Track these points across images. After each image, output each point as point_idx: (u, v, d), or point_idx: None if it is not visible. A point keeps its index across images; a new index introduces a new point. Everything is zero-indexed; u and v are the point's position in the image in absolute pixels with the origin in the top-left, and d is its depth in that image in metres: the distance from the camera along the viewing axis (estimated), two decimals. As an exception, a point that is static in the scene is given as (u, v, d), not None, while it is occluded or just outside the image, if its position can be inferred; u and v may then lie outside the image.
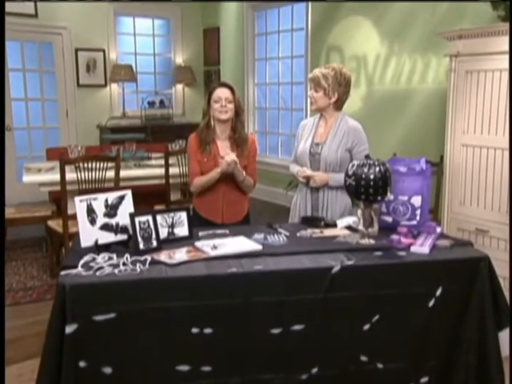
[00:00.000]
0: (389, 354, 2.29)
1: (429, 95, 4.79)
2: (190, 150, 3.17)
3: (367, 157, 2.39)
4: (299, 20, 6.56)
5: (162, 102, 8.12)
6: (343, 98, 2.99)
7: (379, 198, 2.35)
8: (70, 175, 4.00)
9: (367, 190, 2.31)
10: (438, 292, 2.26)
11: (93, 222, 2.32)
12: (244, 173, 3.10)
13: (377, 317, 2.24)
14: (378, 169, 2.32)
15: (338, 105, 2.99)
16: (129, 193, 2.47)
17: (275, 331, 2.16)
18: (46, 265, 4.58)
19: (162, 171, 4.52)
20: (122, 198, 2.44)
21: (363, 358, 2.27)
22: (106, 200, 2.38)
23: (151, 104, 8.02)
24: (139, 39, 8.04)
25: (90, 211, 2.32)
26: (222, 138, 3.14)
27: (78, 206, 2.28)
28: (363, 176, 2.32)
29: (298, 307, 2.17)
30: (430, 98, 4.77)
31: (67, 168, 4.02)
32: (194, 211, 3.23)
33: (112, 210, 2.39)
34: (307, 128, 3.11)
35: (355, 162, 2.39)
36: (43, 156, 5.81)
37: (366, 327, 2.24)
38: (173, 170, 4.46)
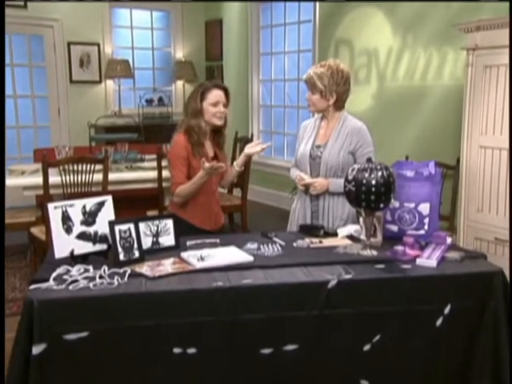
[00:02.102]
0: (392, 377, 2.23)
1: (445, 92, 4.72)
2: (177, 154, 3.01)
3: (369, 160, 2.33)
4: (306, 12, 6.51)
5: (160, 99, 8.10)
6: (343, 97, 2.93)
7: (382, 205, 2.29)
8: (56, 178, 3.97)
9: (368, 196, 2.25)
10: (447, 310, 2.20)
11: (68, 230, 2.28)
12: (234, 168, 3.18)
13: (378, 336, 2.18)
14: (380, 173, 2.26)
15: (339, 105, 2.93)
16: (109, 199, 2.42)
17: (265, 351, 2.11)
18: (29, 275, 4.55)
19: (155, 174, 4.49)
20: (101, 204, 2.40)
21: (364, 383, 2.21)
22: (84, 206, 2.35)
23: (149, 102, 8.00)
24: (136, 32, 8.01)
25: (66, 219, 2.28)
26: (206, 138, 3.11)
27: (52, 213, 2.25)
28: (364, 181, 2.25)
29: (290, 325, 2.12)
30: (446, 96, 4.70)
31: (55, 171, 4.00)
32: (181, 220, 2.98)
33: (90, 217, 2.35)
34: (308, 129, 3.06)
35: (355, 166, 2.34)
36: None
37: (367, 348, 2.18)
38: (167, 173, 4.40)
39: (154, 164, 4.59)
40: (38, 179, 4.01)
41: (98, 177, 4.10)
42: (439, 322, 2.20)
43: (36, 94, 7.34)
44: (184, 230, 2.83)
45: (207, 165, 2.87)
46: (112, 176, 4.38)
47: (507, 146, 3.49)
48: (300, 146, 3.05)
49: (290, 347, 2.12)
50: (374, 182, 2.24)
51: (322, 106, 2.91)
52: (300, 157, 3.02)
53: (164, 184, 4.46)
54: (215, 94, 3.00)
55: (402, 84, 5.17)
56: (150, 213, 4.56)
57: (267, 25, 7.28)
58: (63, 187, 3.92)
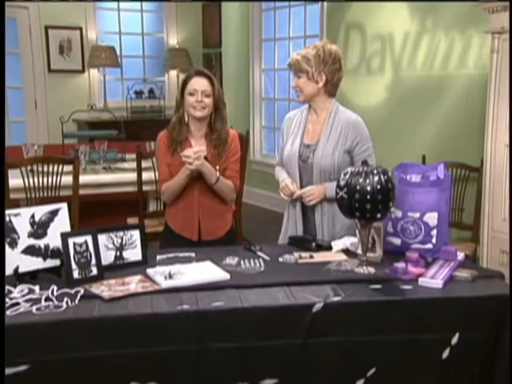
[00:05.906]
0: (390, 419, 2.18)
1: (469, 83, 4.65)
2: (158, 152, 3.16)
3: (364, 163, 2.26)
4: (314, -9, 6.48)
5: (151, 91, 8.17)
6: (334, 79, 2.85)
7: (379, 215, 2.24)
8: (20, 181, 3.93)
9: (363, 205, 2.20)
10: (455, 340, 2.14)
11: (13, 244, 2.24)
12: (217, 173, 3.00)
13: (373, 370, 2.13)
14: (376, 178, 2.21)
15: (329, 89, 2.86)
16: (64, 206, 2.39)
17: (240, 387, 2.07)
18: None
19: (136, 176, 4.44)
20: (54, 213, 2.36)
21: (356, 424, 2.16)
22: (33, 216, 2.30)
23: (139, 94, 8.08)
24: (124, 15, 8.06)
25: (10, 230, 2.23)
26: (197, 136, 3.09)
27: (-7, 223, 2.18)
28: (358, 188, 2.20)
29: (268, 356, 2.08)
30: (470, 86, 4.63)
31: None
32: (167, 226, 3.22)
33: (40, 228, 2.31)
34: (294, 123, 2.99)
35: (349, 170, 2.29)
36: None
37: (360, 383, 2.12)
38: (150, 175, 4.36)
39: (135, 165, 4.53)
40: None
41: (68, 179, 4.05)
42: (446, 353, 2.14)
43: (9, 84, 7.28)
44: (166, 239, 3.15)
45: (184, 153, 2.89)
46: (86, 178, 4.36)
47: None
48: (286, 144, 2.97)
49: (268, 382, 2.08)
50: (369, 189, 2.20)
51: (311, 90, 2.84)
52: (287, 159, 2.94)
53: (145, 187, 4.40)
54: (194, 82, 2.98)
55: (420, 74, 5.10)
56: (131, 220, 4.52)
57: (270, 7, 7.26)
58: (26, 191, 3.90)
